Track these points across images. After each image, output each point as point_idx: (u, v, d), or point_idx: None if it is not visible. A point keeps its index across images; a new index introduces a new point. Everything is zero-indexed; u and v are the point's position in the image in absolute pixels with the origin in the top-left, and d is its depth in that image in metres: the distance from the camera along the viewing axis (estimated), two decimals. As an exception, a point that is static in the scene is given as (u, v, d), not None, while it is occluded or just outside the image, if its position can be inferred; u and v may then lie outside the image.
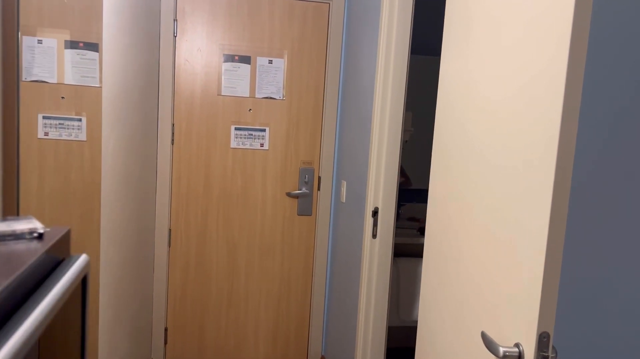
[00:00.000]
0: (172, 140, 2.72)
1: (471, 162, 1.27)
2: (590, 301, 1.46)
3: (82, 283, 0.78)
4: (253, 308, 2.90)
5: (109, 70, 1.59)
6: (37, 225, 0.76)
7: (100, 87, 2.74)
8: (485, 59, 1.24)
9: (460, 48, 1.39)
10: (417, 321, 2.74)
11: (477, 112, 1.27)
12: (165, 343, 2.83)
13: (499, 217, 1.10)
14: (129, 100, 1.93)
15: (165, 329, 2.82)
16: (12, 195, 1.08)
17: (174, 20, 2.64)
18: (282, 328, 2.94)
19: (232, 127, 2.78)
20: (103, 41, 1.55)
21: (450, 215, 1.40)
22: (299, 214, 2.88)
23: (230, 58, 2.73)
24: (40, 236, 0.74)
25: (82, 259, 0.73)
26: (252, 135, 2.80)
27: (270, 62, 2.76)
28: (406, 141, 2.51)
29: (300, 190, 2.86)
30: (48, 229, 0.79)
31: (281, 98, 2.81)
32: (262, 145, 2.81)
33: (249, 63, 2.75)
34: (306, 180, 2.86)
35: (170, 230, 2.77)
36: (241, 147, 2.79)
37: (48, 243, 0.73)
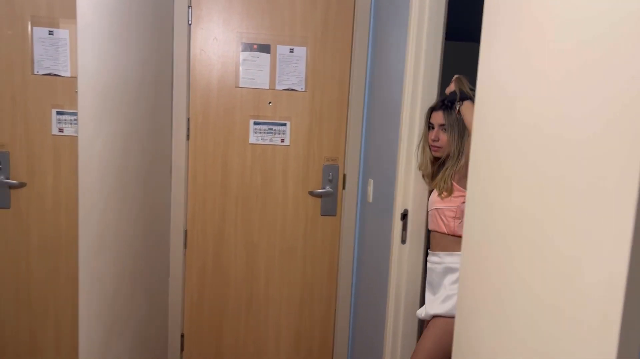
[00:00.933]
0: (187, 135, 2.55)
1: (522, 163, 1.05)
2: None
3: None
4: (274, 313, 2.72)
5: (87, 59, 1.39)
6: None
7: (74, 77, 2.57)
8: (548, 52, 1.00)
9: (507, 36, 1.16)
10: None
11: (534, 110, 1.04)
12: (182, 349, 2.68)
13: (563, 228, 0.87)
14: (127, 93, 1.76)
15: (182, 336, 2.67)
16: None
17: (188, 6, 2.47)
18: (304, 335, 2.75)
19: (251, 121, 2.59)
20: (77, 26, 1.36)
21: (495, 222, 1.18)
22: (323, 214, 2.68)
23: (248, 47, 2.54)
24: None
25: None
26: (272, 129, 2.61)
27: (292, 50, 2.56)
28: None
29: (324, 188, 2.66)
30: None
31: (303, 90, 2.60)
32: (282, 140, 2.62)
33: (269, 53, 2.55)
34: (330, 178, 2.66)
35: (186, 230, 2.61)
36: (261, 142, 2.61)
37: None
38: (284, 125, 2.61)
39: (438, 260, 1.88)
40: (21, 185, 2.50)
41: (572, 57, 0.86)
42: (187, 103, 2.53)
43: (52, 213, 2.46)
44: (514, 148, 1.12)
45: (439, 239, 1.89)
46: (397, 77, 2.08)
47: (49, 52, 2.64)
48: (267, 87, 2.58)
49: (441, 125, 1.85)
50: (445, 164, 1.86)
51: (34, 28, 2.57)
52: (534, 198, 0.99)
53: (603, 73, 0.76)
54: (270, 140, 2.61)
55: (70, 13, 2.62)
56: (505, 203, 1.15)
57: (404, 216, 1.97)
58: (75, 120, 2.79)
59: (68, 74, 2.55)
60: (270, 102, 2.59)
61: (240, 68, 2.55)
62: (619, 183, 0.70)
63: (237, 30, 2.53)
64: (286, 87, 2.59)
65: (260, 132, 2.60)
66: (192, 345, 2.70)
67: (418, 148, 1.96)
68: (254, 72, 2.56)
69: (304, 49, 2.57)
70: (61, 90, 2.54)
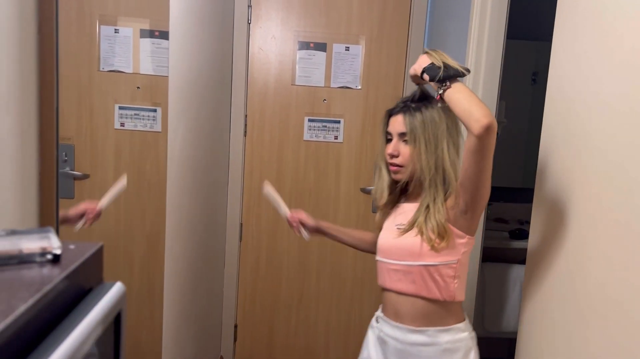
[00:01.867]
0: (245, 132, 2.62)
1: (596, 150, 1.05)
2: None
3: (115, 324, 0.57)
4: (324, 308, 2.76)
5: (176, 58, 1.48)
6: (54, 243, 0.54)
7: (136, 73, 2.68)
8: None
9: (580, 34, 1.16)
10: (504, 333, 2.49)
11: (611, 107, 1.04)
12: (235, 340, 2.76)
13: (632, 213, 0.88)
14: (199, 90, 1.84)
15: (235, 326, 2.75)
16: (51, 200, 0.84)
17: (249, 6, 2.53)
18: (354, 331, 2.78)
19: (306, 119, 2.64)
20: (170, 28, 1.44)
21: (570, 221, 1.18)
22: (374, 211, 2.71)
23: (305, 45, 2.59)
24: (57, 258, 0.55)
25: (116, 290, 0.53)
26: (326, 127, 2.65)
27: (347, 49, 2.59)
28: (498, 134, 2.27)
29: (376, 185, 2.68)
30: (72, 245, 0.59)
31: (358, 87, 2.63)
32: (336, 137, 2.66)
33: (325, 51, 2.59)
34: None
35: (241, 224, 2.69)
36: (314, 139, 2.65)
37: (67, 267, 0.53)
38: (338, 122, 2.65)
39: (427, 340, 1.33)
40: (84, 176, 2.62)
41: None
42: (245, 101, 2.59)
43: (112, 203, 2.57)
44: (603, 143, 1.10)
45: (426, 309, 1.32)
46: (457, 75, 2.08)
47: (114, 49, 2.76)
48: (322, 85, 2.62)
49: (401, 135, 1.34)
50: (422, 195, 1.33)
51: (101, 26, 2.68)
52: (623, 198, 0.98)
53: None
54: (324, 137, 2.65)
55: (134, 12, 2.73)
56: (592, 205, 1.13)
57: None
58: (135, 115, 2.90)
59: (130, 71, 2.66)
60: (324, 100, 2.63)
61: (297, 66, 2.60)
62: None
63: (295, 29, 2.57)
64: (341, 85, 2.62)
65: (314, 129, 2.65)
66: (244, 336, 2.77)
67: (375, 171, 1.47)
68: (310, 70, 2.61)
69: (360, 47, 2.60)
70: (123, 86, 2.65)
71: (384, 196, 1.41)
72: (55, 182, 0.84)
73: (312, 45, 2.59)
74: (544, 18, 1.74)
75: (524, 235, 2.56)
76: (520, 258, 2.63)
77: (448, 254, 1.28)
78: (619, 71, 1.00)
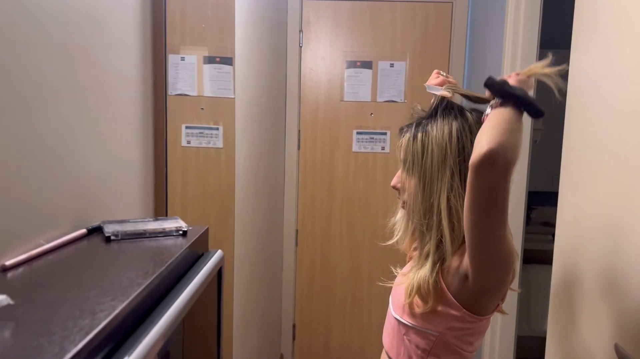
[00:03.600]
0: (299, 145, 2.85)
1: (612, 156, 1.18)
2: None
3: (218, 275, 0.88)
4: (376, 309, 2.93)
5: (240, 82, 1.74)
6: (182, 224, 0.86)
7: (234, 97, 2.97)
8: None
9: (593, 39, 1.29)
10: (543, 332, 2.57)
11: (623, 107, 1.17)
12: (294, 338, 2.97)
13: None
14: (259, 109, 2.08)
15: (294, 326, 2.96)
16: (162, 198, 1.29)
17: (300, 31, 2.78)
18: (405, 331, 2.93)
19: (354, 132, 2.84)
20: (235, 55, 1.70)
21: (588, 213, 1.30)
22: (422, 217, 2.86)
23: (352, 64, 2.80)
24: (185, 234, 0.87)
25: (218, 254, 0.84)
26: (373, 139, 2.84)
27: (392, 65, 2.78)
28: (536, 141, 2.36)
29: (423, 192, 2.84)
30: (190, 227, 0.89)
31: (402, 101, 2.81)
32: (383, 148, 2.84)
33: (371, 68, 2.79)
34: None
35: (297, 230, 2.91)
36: (362, 150, 2.85)
37: (190, 239, 0.85)
38: (385, 134, 2.83)
39: None
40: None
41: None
42: (298, 117, 2.83)
43: (180, 214, 2.86)
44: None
45: None
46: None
47: (180, 75, 3.07)
48: (369, 100, 2.81)
49: (401, 161, 1.09)
50: (418, 240, 1.05)
51: (169, 55, 3.00)
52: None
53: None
54: (372, 148, 2.84)
55: (198, 41, 3.04)
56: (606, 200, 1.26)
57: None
58: (200, 133, 3.21)
59: (195, 94, 2.96)
60: (372, 114, 2.82)
61: (345, 83, 2.81)
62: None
63: (343, 50, 2.80)
64: (386, 99, 2.81)
65: (362, 141, 2.84)
66: (302, 335, 2.97)
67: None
68: (357, 87, 2.81)
69: (404, 63, 2.78)
70: (190, 107, 2.95)
71: (404, 236, 1.13)
72: (165, 186, 1.18)
73: (358, 63, 2.79)
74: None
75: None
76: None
77: (428, 320, 0.98)
78: (628, 79, 1.14)
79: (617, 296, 1.15)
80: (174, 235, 0.84)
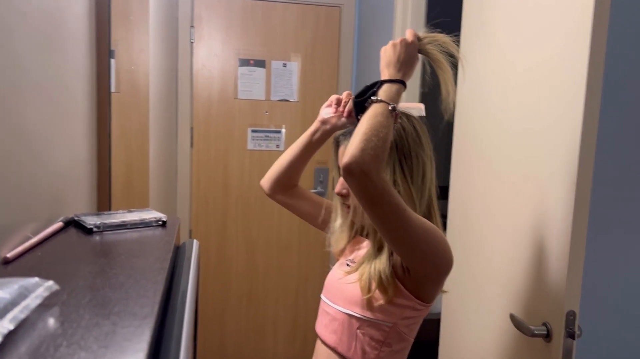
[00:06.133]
0: (191, 143, 2.80)
1: (495, 149, 1.35)
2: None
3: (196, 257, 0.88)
4: (272, 304, 2.98)
5: (126, 75, 1.67)
6: (159, 215, 0.86)
7: (118, 92, 2.83)
8: (507, 50, 1.31)
9: (481, 31, 1.47)
10: (433, 314, 2.81)
11: (503, 106, 1.34)
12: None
13: (524, 201, 1.18)
14: (149, 104, 2.01)
15: (188, 327, 2.89)
16: (105, 193, 1.21)
17: (191, 26, 2.72)
18: (300, 325, 3.02)
19: (249, 129, 2.86)
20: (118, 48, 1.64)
21: (472, 210, 1.48)
22: (315, 212, 2.96)
23: (245, 62, 2.81)
24: (164, 224, 0.85)
25: (196, 244, 0.84)
26: (268, 136, 2.88)
27: (285, 65, 2.84)
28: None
29: (315, 189, 2.94)
30: (165, 217, 0.89)
31: (296, 100, 2.89)
32: (277, 146, 2.89)
33: (264, 67, 2.83)
34: (321, 179, 2.94)
35: (190, 230, 2.85)
36: (258, 148, 2.87)
37: (171, 229, 0.84)
38: (279, 132, 2.89)
39: None
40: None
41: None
42: (190, 114, 2.77)
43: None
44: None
45: None
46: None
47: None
48: (264, 98, 2.85)
49: None
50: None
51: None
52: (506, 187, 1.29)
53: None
54: (267, 146, 2.88)
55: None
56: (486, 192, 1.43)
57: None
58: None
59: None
60: (266, 112, 2.86)
61: (239, 81, 2.82)
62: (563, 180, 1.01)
63: (235, 47, 2.79)
64: (280, 98, 2.86)
65: (257, 139, 2.87)
66: (198, 333, 2.92)
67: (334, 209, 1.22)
68: (251, 85, 2.83)
69: (296, 63, 2.85)
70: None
71: (342, 239, 1.17)
72: (108, 181, 1.16)
73: (252, 62, 2.81)
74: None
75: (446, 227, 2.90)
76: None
77: (385, 312, 1.03)
78: (508, 90, 1.31)
79: (509, 275, 1.32)
80: (153, 226, 0.85)
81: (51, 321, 0.48)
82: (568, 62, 1.01)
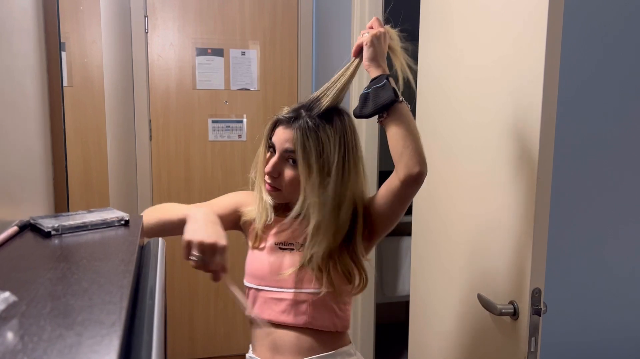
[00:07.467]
0: (150, 136, 2.72)
1: (456, 138, 1.37)
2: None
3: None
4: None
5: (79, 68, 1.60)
6: (121, 214, 0.82)
7: (72, 86, 2.73)
8: (466, 38, 1.32)
9: (440, 28, 1.48)
10: (401, 297, 2.86)
11: (463, 87, 1.35)
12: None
13: (487, 185, 1.20)
14: (102, 98, 1.95)
15: (156, 324, 2.84)
16: (63, 192, 1.15)
17: (145, 16, 2.63)
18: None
19: (209, 120, 2.80)
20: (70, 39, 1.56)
21: (436, 195, 1.49)
22: (281, 202, 2.94)
23: (203, 51, 2.74)
24: (127, 223, 0.81)
25: (162, 243, 0.80)
26: (229, 127, 2.83)
27: (243, 53, 2.79)
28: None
29: (280, 178, 2.92)
30: (127, 216, 0.85)
31: (256, 89, 2.84)
32: (239, 136, 2.85)
33: (222, 56, 2.77)
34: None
35: (154, 225, 2.78)
36: (219, 139, 2.82)
37: (134, 229, 0.80)
38: (241, 122, 2.84)
39: None
40: None
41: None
42: (148, 107, 2.69)
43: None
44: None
45: (315, 341, 1.13)
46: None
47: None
48: (223, 88, 2.79)
49: (288, 152, 1.09)
50: (311, 233, 1.09)
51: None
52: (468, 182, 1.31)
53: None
54: (229, 137, 2.84)
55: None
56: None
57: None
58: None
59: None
60: (226, 102, 2.81)
61: (197, 71, 2.75)
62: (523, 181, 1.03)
63: (192, 36, 2.72)
64: (240, 87, 2.82)
65: (218, 130, 2.82)
66: (167, 330, 2.87)
67: (252, 186, 1.23)
68: (210, 74, 2.77)
69: (255, 51, 2.81)
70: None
71: (267, 218, 1.16)
72: (65, 180, 1.10)
73: (209, 51, 2.75)
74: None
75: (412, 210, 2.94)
76: (409, 230, 3.01)
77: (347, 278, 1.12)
78: (462, 82, 1.32)
79: (476, 257, 1.35)
80: (115, 226, 0.80)
81: (9, 336, 0.45)
82: (525, 51, 1.03)
